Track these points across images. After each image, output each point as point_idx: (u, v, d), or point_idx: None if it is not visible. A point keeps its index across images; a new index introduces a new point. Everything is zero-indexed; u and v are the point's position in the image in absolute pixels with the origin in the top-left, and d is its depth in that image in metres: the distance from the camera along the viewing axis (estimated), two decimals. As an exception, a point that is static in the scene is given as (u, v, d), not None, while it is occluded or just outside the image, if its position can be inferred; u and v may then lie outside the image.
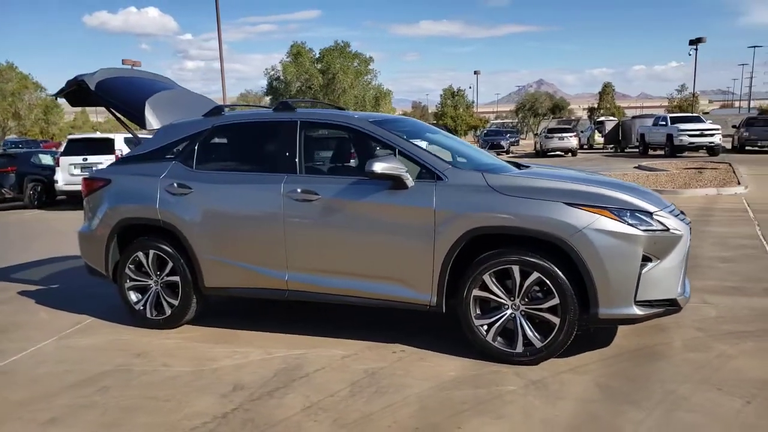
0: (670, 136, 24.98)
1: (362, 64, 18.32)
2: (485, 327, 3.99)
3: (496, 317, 3.97)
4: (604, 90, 44.96)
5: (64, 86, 5.51)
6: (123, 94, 5.41)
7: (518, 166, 4.77)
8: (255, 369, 4.07)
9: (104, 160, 14.31)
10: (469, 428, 3.17)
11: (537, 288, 3.88)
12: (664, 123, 26.27)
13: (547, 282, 3.80)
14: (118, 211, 4.95)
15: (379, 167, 4.00)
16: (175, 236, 4.77)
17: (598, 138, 34.74)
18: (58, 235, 10.59)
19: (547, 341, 3.85)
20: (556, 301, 3.80)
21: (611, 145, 32.76)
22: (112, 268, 5.07)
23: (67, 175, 14.59)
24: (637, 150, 28.57)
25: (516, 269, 3.86)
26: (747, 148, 27.04)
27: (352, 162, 5.08)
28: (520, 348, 3.92)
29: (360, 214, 4.22)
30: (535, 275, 3.82)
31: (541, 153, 30.31)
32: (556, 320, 3.82)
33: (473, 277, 3.95)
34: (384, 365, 4.04)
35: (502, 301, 3.95)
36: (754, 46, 63.02)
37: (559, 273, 3.77)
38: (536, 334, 3.89)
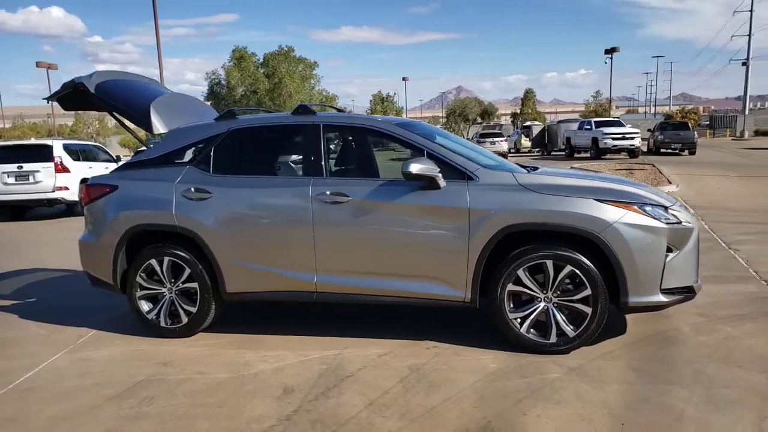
0: (595, 140, 26.41)
1: (307, 68, 18.23)
2: (518, 320, 4.18)
3: (530, 310, 4.17)
4: (526, 96, 46.95)
5: (59, 89, 5.27)
6: (125, 97, 5.24)
7: (523, 167, 5.00)
8: (297, 371, 4.07)
9: (41, 168, 13.56)
10: (534, 414, 3.33)
11: (568, 280, 4.11)
12: (589, 127, 27.76)
13: (580, 274, 4.04)
14: (129, 218, 4.78)
15: (415, 168, 4.11)
16: (193, 242, 4.67)
17: (525, 142, 36.15)
18: (3, 248, 9.95)
19: (579, 330, 4.09)
20: (588, 292, 4.04)
21: (538, 149, 34.19)
22: (120, 278, 4.89)
23: (0, 184, 13.67)
24: (564, 153, 29.99)
25: (550, 263, 4.08)
26: (662, 150, 29.05)
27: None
28: (553, 338, 4.13)
29: (393, 214, 4.31)
30: (568, 268, 4.05)
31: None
32: (588, 310, 4.06)
33: (508, 272, 4.13)
34: (424, 361, 4.14)
35: (535, 294, 4.15)
36: (657, 56, 67.55)
37: (591, 265, 4.02)
38: (569, 324, 4.11)
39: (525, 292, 4.16)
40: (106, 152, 16.35)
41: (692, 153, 28.04)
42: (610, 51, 39.73)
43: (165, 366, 4.26)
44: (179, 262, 4.71)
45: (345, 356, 4.29)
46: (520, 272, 4.12)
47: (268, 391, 3.78)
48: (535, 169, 4.93)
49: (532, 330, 4.18)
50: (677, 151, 28.49)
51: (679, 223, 4.17)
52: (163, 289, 4.82)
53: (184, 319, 4.77)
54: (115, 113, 5.25)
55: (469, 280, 4.21)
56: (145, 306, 4.85)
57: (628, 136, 26.33)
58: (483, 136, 31.68)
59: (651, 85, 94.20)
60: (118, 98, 5.22)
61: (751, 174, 17.08)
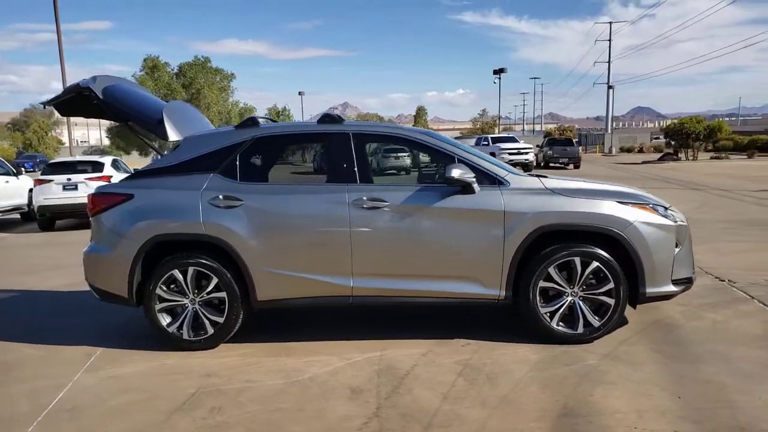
0: (493, 154, 27.90)
1: (224, 79, 17.76)
2: (548, 314, 4.53)
3: (559, 304, 4.54)
4: (419, 113, 48.78)
5: (60, 94, 4.95)
6: (133, 103, 5.02)
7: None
8: (352, 373, 4.14)
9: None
10: (599, 394, 3.67)
11: (592, 275, 4.53)
12: (486, 143, 29.43)
13: (604, 269, 4.47)
14: (149, 228, 4.60)
15: (457, 173, 4.37)
16: (221, 250, 4.59)
17: (423, 158, 37.38)
18: None
19: (604, 320, 4.52)
20: (611, 285, 4.48)
21: (438, 163, 35.51)
22: (136, 291, 4.68)
23: None
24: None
25: (578, 260, 4.48)
26: (550, 164, 31.39)
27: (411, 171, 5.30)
28: (580, 329, 4.52)
29: (430, 218, 4.51)
30: (594, 264, 4.47)
31: (377, 172, 31.91)
32: (611, 301, 4.50)
33: (540, 270, 4.48)
34: (467, 357, 4.37)
35: (563, 289, 4.53)
36: (534, 78, 72.88)
37: (614, 261, 4.46)
38: (594, 315, 4.53)
39: (554, 287, 4.53)
40: (3, 165, 15.01)
41: (577, 167, 30.56)
42: (498, 72, 42.33)
43: (209, 377, 4.16)
44: (205, 271, 4.60)
45: (388, 357, 4.41)
46: (551, 269, 4.49)
47: (336, 392, 3.84)
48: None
49: (560, 323, 4.54)
50: (564, 165, 30.91)
51: (676, 221, 4.73)
52: (185, 300, 4.67)
53: (210, 330, 4.65)
54: (128, 121, 5.01)
55: (504, 279, 4.50)
56: (165, 319, 4.67)
57: (523, 151, 28.27)
58: (387, 151, 32.42)
59: (525, 105, 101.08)
60: (127, 104, 4.99)
61: (634, 185, 18.96)
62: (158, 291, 4.64)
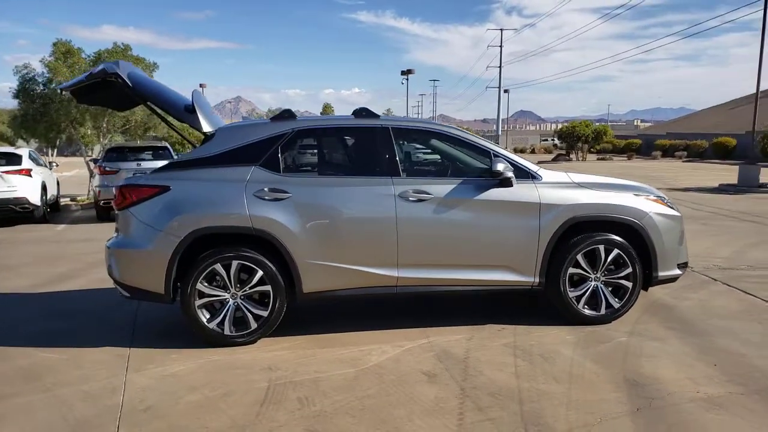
0: (407, 153, 28.66)
1: (147, 69, 16.63)
2: (575, 298, 4.93)
3: (584, 289, 4.94)
4: (325, 110, 48.84)
5: (81, 79, 4.62)
6: (159, 92, 4.81)
7: None
8: (414, 359, 4.29)
9: None
10: (648, 367, 4.08)
11: (612, 261, 4.97)
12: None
13: (624, 255, 4.93)
14: (192, 221, 4.46)
15: (502, 167, 4.66)
16: (267, 243, 4.55)
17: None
18: None
19: (623, 301, 4.98)
20: (629, 270, 4.94)
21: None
22: (172, 287, 4.53)
23: None
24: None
25: (602, 248, 4.90)
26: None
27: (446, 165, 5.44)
28: (603, 311, 4.96)
29: (471, 210, 4.75)
30: (615, 252, 4.91)
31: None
32: (629, 285, 4.97)
33: (570, 257, 4.86)
34: (511, 340, 4.66)
35: (588, 275, 4.94)
36: (434, 80, 75.18)
37: (631, 248, 4.93)
38: (615, 298, 4.98)
39: (580, 273, 4.93)
40: None
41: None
42: (406, 72, 43.32)
43: (272, 371, 4.13)
44: (250, 264, 4.54)
45: (438, 343, 4.60)
46: (579, 257, 4.88)
47: (412, 377, 3.97)
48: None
49: (585, 306, 4.95)
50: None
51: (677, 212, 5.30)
52: (226, 295, 4.58)
53: (253, 325, 4.60)
54: (159, 109, 4.78)
55: (538, 266, 4.84)
56: (204, 315, 4.56)
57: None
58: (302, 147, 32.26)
59: (420, 106, 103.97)
60: (155, 92, 4.78)
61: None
62: (199, 286, 4.51)
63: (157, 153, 13.27)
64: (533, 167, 4.95)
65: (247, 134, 4.78)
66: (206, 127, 4.79)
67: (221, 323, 4.56)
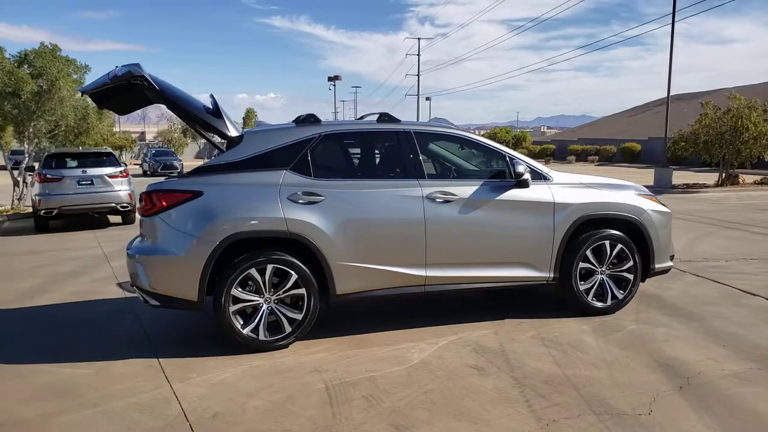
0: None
1: (78, 72, 15.61)
2: (585, 291, 5.27)
3: (592, 283, 5.29)
4: (248, 115, 47.88)
5: (105, 80, 4.42)
6: (183, 96, 4.70)
7: None
8: (454, 354, 4.44)
9: None
10: (670, 350, 4.45)
11: (615, 255, 5.35)
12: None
13: (626, 250, 5.32)
14: (228, 226, 4.41)
15: (522, 168, 4.93)
16: (302, 246, 4.57)
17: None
18: None
19: (626, 292, 5.37)
20: (631, 263, 5.34)
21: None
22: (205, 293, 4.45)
23: None
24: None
25: (607, 243, 5.27)
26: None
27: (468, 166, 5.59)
28: (609, 302, 5.33)
29: (494, 209, 4.98)
30: (619, 246, 5.30)
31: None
32: (630, 277, 5.37)
33: (580, 253, 5.19)
34: (534, 332, 4.92)
35: (595, 269, 5.30)
36: (356, 87, 75.77)
37: (632, 243, 5.34)
38: (618, 289, 5.36)
39: (589, 268, 5.27)
40: None
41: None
42: (333, 78, 43.39)
43: (320, 373, 4.16)
44: (285, 268, 4.54)
45: (469, 338, 4.78)
46: (588, 252, 5.22)
47: (462, 371, 4.13)
48: None
49: (593, 298, 5.30)
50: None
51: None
52: (260, 300, 4.56)
53: (287, 329, 4.59)
54: (188, 116, 4.66)
55: (553, 262, 5.14)
56: (238, 321, 4.51)
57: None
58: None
59: (337, 113, 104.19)
60: (180, 96, 4.66)
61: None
62: (234, 292, 4.46)
63: (102, 160, 12.66)
64: (545, 169, 5.26)
65: (275, 138, 4.78)
66: (233, 132, 4.75)
67: (255, 329, 4.53)
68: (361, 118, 5.67)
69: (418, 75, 65.94)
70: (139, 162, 40.97)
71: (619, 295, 5.35)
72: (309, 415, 3.52)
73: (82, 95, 4.62)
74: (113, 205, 12.33)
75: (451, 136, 5.32)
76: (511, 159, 5.14)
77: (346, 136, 5.06)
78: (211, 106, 4.83)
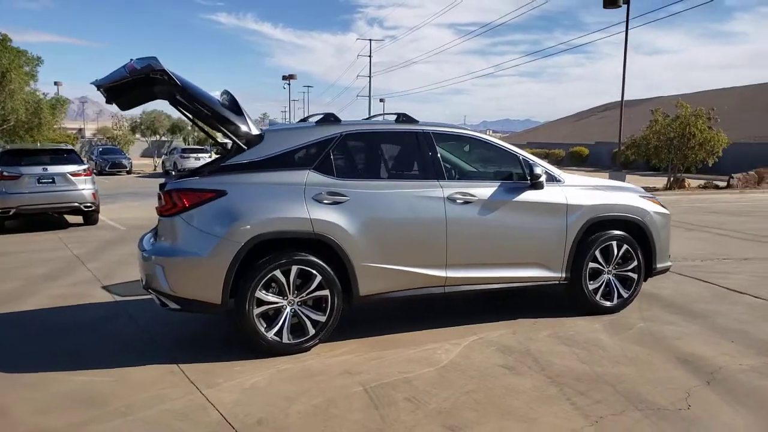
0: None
1: (30, 64, 14.79)
2: (594, 290, 5.40)
3: (600, 282, 5.43)
4: (196, 115, 46.60)
5: (123, 74, 4.20)
6: (204, 92, 4.54)
7: None
8: (480, 355, 4.47)
9: None
10: (684, 347, 4.61)
11: (620, 256, 5.50)
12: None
13: (631, 250, 5.48)
14: (253, 226, 4.29)
15: (540, 170, 5.02)
16: (326, 247, 4.50)
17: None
18: None
19: (630, 291, 5.54)
20: (635, 263, 5.51)
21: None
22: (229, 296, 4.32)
23: None
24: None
25: (614, 243, 5.41)
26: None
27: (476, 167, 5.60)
28: (615, 301, 5.48)
29: (511, 210, 5.04)
30: (624, 247, 5.45)
31: (176, 172, 29.95)
32: (635, 276, 5.53)
33: (590, 253, 5.31)
34: (551, 331, 5.00)
35: (602, 269, 5.43)
36: (307, 86, 75.10)
37: (637, 243, 5.50)
38: (624, 288, 5.51)
39: (596, 268, 5.40)
40: None
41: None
42: (288, 77, 42.91)
43: (353, 375, 4.11)
44: (309, 269, 4.46)
45: (490, 339, 4.82)
46: (597, 252, 5.36)
47: (493, 371, 4.16)
48: None
49: (601, 297, 5.43)
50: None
51: (664, 210, 5.97)
52: (283, 302, 4.46)
53: (311, 331, 4.51)
54: (206, 112, 4.48)
55: (566, 263, 5.24)
56: (262, 324, 4.40)
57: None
58: (186, 151, 30.72)
59: (286, 112, 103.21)
60: (200, 92, 4.49)
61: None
62: (258, 294, 4.35)
63: (63, 157, 12.10)
64: (557, 171, 5.36)
65: (297, 138, 4.69)
66: (253, 129, 4.63)
67: (279, 332, 4.43)
68: (368, 118, 5.62)
69: (369, 76, 66.18)
70: (84, 160, 39.38)
71: (625, 294, 5.51)
72: (356, 418, 3.47)
73: (98, 88, 4.31)
74: (76, 204, 11.80)
75: (469, 137, 5.35)
76: (527, 161, 5.22)
77: (367, 136, 5.01)
78: (227, 103, 4.69)
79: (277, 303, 4.43)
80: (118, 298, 6.30)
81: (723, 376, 4.02)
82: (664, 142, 21.38)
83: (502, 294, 5.96)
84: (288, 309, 4.47)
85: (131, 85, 4.35)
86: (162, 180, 5.00)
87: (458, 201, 4.86)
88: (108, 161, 30.70)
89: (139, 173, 33.30)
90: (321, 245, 4.49)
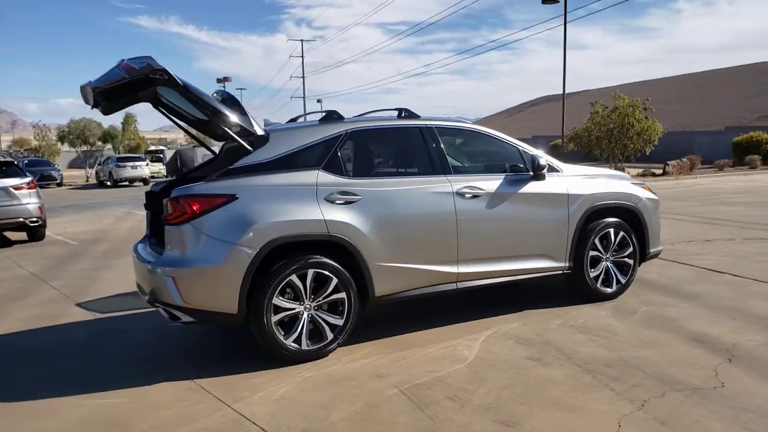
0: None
1: None
2: (594, 278, 5.49)
3: (600, 270, 5.52)
4: (126, 120, 44.80)
5: (121, 74, 3.91)
6: (203, 93, 4.30)
7: None
8: (501, 349, 4.44)
9: None
10: (691, 327, 4.74)
11: (617, 242, 5.62)
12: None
13: (627, 236, 5.61)
14: (268, 230, 4.11)
15: (544, 161, 5.06)
16: (342, 249, 4.37)
17: (154, 167, 34.34)
18: None
19: (627, 277, 5.66)
20: (631, 249, 5.64)
21: (173, 174, 33.46)
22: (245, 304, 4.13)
23: None
24: (206, 177, 30.44)
25: (612, 231, 5.53)
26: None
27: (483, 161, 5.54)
28: (614, 287, 5.59)
29: (517, 202, 5.06)
30: (621, 234, 5.57)
31: (112, 183, 28.71)
32: (631, 262, 5.67)
33: (590, 241, 5.40)
34: (559, 321, 5.04)
35: (601, 256, 5.53)
36: (241, 89, 73.75)
37: (632, 229, 5.64)
38: (621, 275, 5.63)
39: (596, 255, 5.49)
40: None
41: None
42: (222, 80, 41.85)
43: (382, 378, 4.00)
44: (326, 272, 4.32)
45: (504, 332, 4.81)
46: (596, 240, 5.45)
47: (521, 363, 4.14)
48: None
49: (601, 285, 5.53)
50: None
51: (654, 197, 6.13)
52: (300, 308, 4.31)
53: (329, 336, 4.37)
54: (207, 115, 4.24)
55: (569, 252, 5.31)
56: (279, 332, 4.23)
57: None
58: (122, 160, 29.42)
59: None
60: (201, 93, 4.25)
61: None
62: (275, 300, 4.17)
63: (2, 170, 11.29)
64: (556, 161, 5.41)
65: (302, 137, 4.53)
66: (258, 130, 4.44)
67: (298, 338, 4.27)
68: (364, 114, 5.49)
69: (303, 77, 65.59)
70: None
71: (623, 280, 5.63)
72: (404, 421, 3.37)
73: (93, 91, 3.98)
74: (21, 220, 11.06)
75: (470, 130, 5.32)
76: (528, 152, 5.25)
77: (372, 133, 4.90)
78: (227, 103, 4.48)
79: (294, 309, 4.26)
80: (100, 315, 5.93)
81: (740, 353, 4.16)
82: (604, 132, 22.19)
83: (500, 288, 5.99)
84: (305, 314, 4.31)
85: (128, 87, 4.08)
86: (144, 189, 4.70)
87: (467, 195, 4.83)
88: (36, 174, 28.89)
89: (70, 185, 31.76)
90: (334, 247, 4.36)
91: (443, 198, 4.75)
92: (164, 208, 4.16)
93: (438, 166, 4.85)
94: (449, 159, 4.96)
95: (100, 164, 32.35)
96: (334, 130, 4.62)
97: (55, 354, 4.83)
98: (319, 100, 61.74)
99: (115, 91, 4.08)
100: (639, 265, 5.84)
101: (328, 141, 4.54)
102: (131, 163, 28.81)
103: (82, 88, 4.17)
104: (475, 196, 4.87)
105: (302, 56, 66.34)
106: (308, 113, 5.44)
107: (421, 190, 4.71)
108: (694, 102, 48.26)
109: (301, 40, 65.58)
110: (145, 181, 29.36)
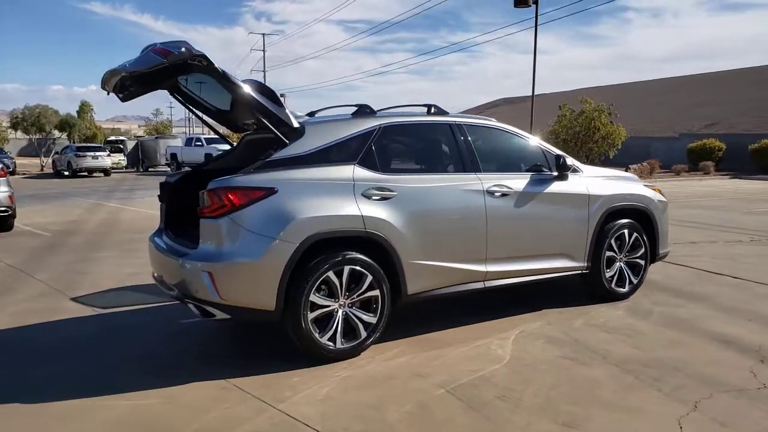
0: (209, 155, 27.26)
1: None
2: (609, 278, 5.55)
3: (615, 270, 5.59)
4: (82, 109, 43.13)
5: (158, 59, 3.69)
6: (238, 80, 4.12)
7: None
8: (534, 348, 4.43)
9: None
10: (708, 326, 4.83)
11: (630, 243, 5.70)
12: (200, 143, 28.36)
13: (640, 237, 5.69)
14: (307, 226, 3.97)
15: (570, 161, 5.08)
16: (377, 245, 4.27)
17: (115, 158, 33.17)
18: None
19: (639, 278, 5.75)
20: (643, 250, 5.73)
21: (133, 165, 32.46)
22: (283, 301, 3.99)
23: None
24: (169, 168, 29.66)
25: (626, 232, 5.60)
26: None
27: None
28: (627, 287, 5.67)
29: (542, 202, 5.06)
30: (635, 235, 5.66)
31: (71, 173, 27.59)
32: (642, 262, 5.76)
33: (607, 242, 5.46)
34: (583, 320, 5.07)
35: (615, 256, 5.60)
36: (201, 82, 72.00)
37: (644, 230, 5.73)
38: (633, 275, 5.72)
39: (612, 256, 5.56)
40: None
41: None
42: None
43: (424, 377, 3.92)
44: (360, 269, 4.21)
45: (531, 331, 4.81)
46: (612, 241, 5.51)
47: (557, 363, 4.14)
48: None
49: (615, 285, 5.60)
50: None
51: (662, 199, 6.24)
52: (335, 305, 4.19)
53: (363, 334, 4.27)
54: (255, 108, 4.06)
55: (588, 252, 5.35)
56: (315, 329, 4.11)
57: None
58: (82, 149, 28.27)
59: (172, 107, 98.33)
60: (239, 82, 4.07)
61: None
62: (312, 297, 4.05)
63: None
64: (576, 162, 5.44)
65: (338, 130, 4.41)
66: (295, 122, 4.30)
67: (333, 336, 4.15)
68: (384, 109, 5.40)
69: (264, 71, 64.68)
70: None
71: (635, 280, 5.72)
72: (462, 422, 3.31)
73: (129, 75, 3.74)
74: (-10, 209, 10.51)
75: (495, 128, 5.28)
76: (552, 152, 5.26)
77: (406, 128, 4.80)
78: (262, 93, 4.32)
79: (329, 306, 4.15)
80: (100, 311, 5.65)
81: (768, 354, 4.26)
82: (571, 135, 22.63)
83: (513, 287, 6.00)
84: (340, 312, 4.20)
85: (164, 72, 3.88)
86: (147, 178, 4.50)
87: (496, 194, 4.80)
88: (-13, 161, 27.67)
89: (25, 174, 30.41)
90: (369, 243, 4.26)
91: (475, 196, 4.70)
92: (201, 200, 3.97)
93: (469, 164, 4.80)
94: (479, 156, 4.91)
95: (57, 153, 31.06)
96: (368, 124, 4.51)
97: (63, 351, 4.57)
98: (282, 95, 60.40)
99: (152, 75, 3.87)
100: (649, 266, 5.94)
101: (363, 135, 4.44)
102: (92, 153, 27.72)
103: (112, 72, 3.95)
104: (504, 195, 4.84)
105: (264, 50, 65.44)
106: (330, 107, 5.30)
107: (455, 188, 4.66)
108: (647, 108, 49.70)
109: (263, 34, 64.77)
110: (106, 171, 28.31)
